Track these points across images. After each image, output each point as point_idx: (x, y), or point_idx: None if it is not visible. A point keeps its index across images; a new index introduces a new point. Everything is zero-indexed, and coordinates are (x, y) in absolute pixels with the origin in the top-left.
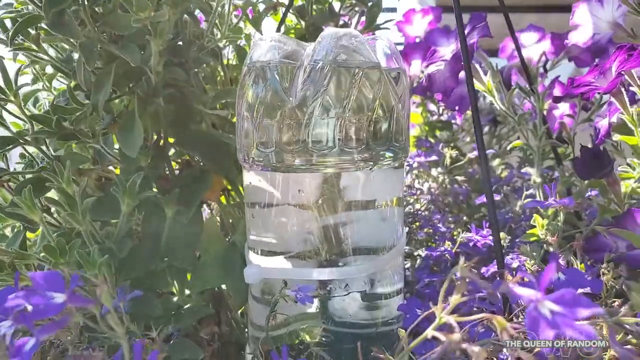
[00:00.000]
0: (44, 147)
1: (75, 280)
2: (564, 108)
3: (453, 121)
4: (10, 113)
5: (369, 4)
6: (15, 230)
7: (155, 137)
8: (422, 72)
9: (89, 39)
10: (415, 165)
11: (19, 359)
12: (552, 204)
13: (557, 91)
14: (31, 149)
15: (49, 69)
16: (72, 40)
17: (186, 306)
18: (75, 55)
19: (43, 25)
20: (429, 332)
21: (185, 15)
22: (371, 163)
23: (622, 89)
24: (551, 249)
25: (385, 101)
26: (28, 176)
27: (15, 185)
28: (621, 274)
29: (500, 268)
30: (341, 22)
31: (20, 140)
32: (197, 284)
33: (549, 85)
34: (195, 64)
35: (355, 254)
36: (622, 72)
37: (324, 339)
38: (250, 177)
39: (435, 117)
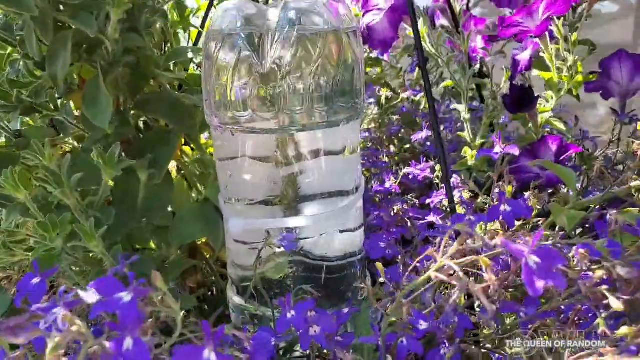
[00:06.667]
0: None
1: (132, 276)
2: (477, 41)
3: (381, 57)
4: None
5: None
6: None
7: (114, 103)
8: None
9: (40, 9)
10: None
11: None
12: (499, 152)
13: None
14: None
15: None
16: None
17: (168, 260)
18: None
19: None
20: (432, 274)
21: None
22: (337, 120)
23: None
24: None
25: (347, 60)
26: None
27: None
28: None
29: (451, 202)
30: None
31: None
32: (177, 238)
33: (467, 21)
34: (146, 26)
35: (328, 197)
36: (550, 17)
37: (298, 273)
38: (222, 138)
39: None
